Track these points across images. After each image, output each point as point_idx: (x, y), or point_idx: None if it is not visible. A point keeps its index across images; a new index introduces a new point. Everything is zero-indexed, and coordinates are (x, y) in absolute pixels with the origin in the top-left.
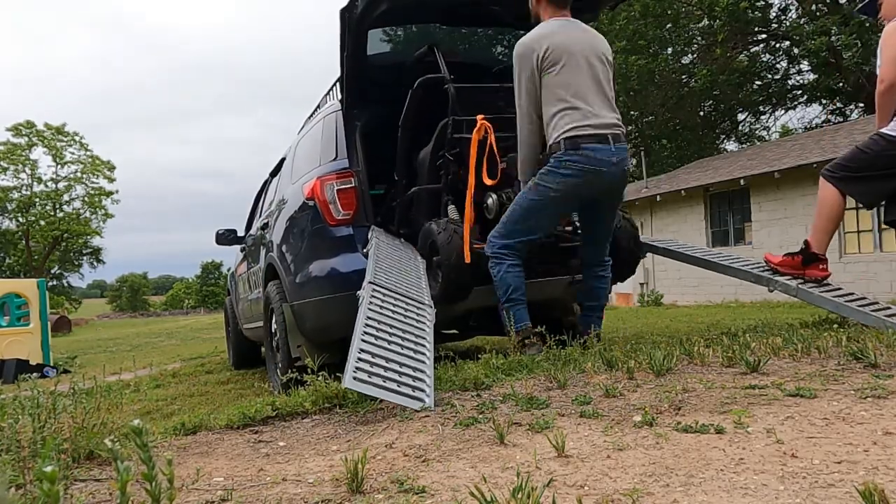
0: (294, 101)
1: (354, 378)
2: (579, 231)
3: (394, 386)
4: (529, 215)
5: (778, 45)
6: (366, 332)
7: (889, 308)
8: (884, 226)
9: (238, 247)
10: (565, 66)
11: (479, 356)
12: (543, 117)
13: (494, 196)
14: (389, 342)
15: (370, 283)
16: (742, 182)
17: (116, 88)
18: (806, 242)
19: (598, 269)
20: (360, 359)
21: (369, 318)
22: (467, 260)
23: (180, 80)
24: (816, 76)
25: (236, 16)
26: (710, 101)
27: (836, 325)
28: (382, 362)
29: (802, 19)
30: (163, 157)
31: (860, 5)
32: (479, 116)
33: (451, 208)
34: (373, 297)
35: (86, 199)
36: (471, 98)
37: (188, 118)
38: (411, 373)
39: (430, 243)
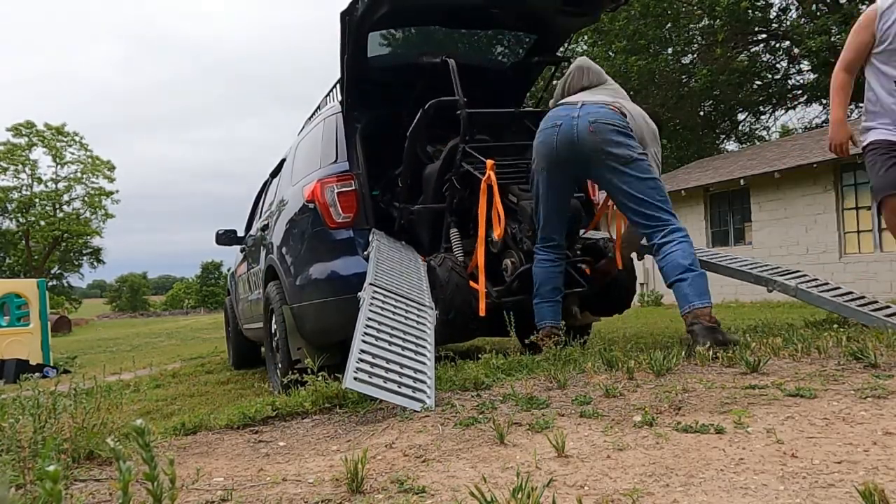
0: (295, 101)
1: (355, 378)
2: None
3: (394, 387)
4: (539, 200)
5: (778, 45)
6: (366, 334)
7: (889, 308)
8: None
9: (238, 247)
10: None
11: (480, 356)
12: None
13: (513, 258)
14: (390, 343)
15: (370, 284)
16: (742, 182)
17: (118, 91)
18: None
19: (658, 235)
20: (360, 360)
21: (370, 319)
22: (482, 313)
23: (184, 82)
24: (816, 76)
25: (249, 17)
26: (710, 101)
27: (836, 325)
28: (383, 363)
29: (803, 19)
30: (168, 157)
31: None
32: (490, 163)
33: (454, 231)
34: (373, 298)
35: (86, 199)
36: (483, 122)
37: (195, 119)
38: (412, 374)
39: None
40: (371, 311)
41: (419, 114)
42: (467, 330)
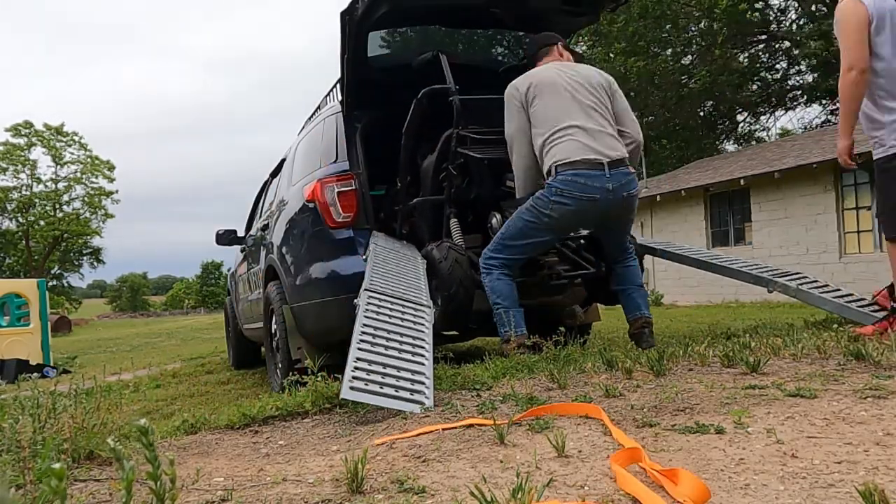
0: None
1: (351, 388)
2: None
3: (391, 391)
4: (524, 236)
5: (777, 46)
6: (362, 340)
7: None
8: None
9: (238, 247)
10: (550, 97)
11: (480, 356)
12: (535, 147)
13: (499, 216)
14: (387, 347)
15: (365, 290)
16: (742, 182)
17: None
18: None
19: (622, 261)
20: (356, 367)
21: (365, 324)
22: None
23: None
24: (815, 76)
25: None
26: (710, 102)
27: (836, 325)
28: (380, 368)
29: (802, 20)
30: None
31: None
32: None
33: (454, 222)
34: (369, 302)
35: (85, 199)
36: (476, 109)
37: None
38: (410, 376)
39: (430, 265)
40: (366, 316)
41: (413, 106)
42: (469, 309)
